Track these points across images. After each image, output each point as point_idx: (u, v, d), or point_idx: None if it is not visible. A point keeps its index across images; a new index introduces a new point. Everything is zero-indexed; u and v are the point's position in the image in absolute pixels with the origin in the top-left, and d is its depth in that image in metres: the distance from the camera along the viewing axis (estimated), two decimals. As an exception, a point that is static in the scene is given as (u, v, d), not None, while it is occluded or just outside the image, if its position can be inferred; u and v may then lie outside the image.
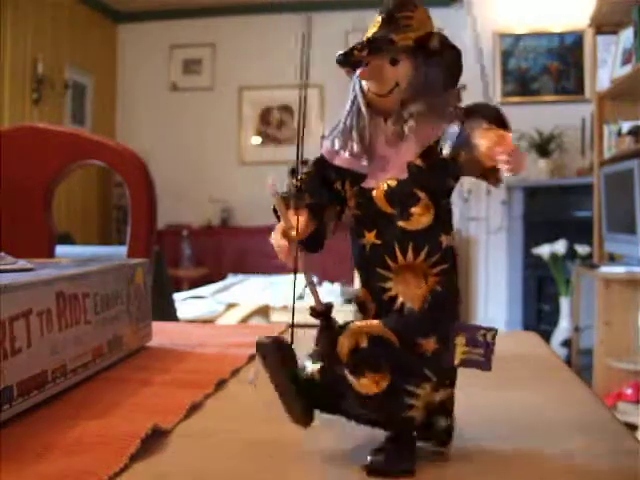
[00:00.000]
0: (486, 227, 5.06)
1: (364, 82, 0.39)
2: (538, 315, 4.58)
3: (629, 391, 2.80)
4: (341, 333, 0.38)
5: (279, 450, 0.41)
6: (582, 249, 3.95)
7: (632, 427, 2.51)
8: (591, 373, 3.17)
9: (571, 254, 4.00)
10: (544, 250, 4.13)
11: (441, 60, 0.40)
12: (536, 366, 0.63)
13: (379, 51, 0.38)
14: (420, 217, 0.38)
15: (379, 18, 0.40)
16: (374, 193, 0.39)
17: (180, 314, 2.42)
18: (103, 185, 5.40)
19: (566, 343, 3.90)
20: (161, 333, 0.74)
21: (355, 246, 0.39)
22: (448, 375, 0.39)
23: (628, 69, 3.25)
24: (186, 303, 3.08)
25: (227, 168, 5.45)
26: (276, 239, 0.40)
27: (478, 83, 4.98)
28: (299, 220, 0.39)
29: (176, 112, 5.49)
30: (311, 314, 0.40)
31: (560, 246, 4.08)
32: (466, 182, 4.95)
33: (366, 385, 0.37)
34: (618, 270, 3.07)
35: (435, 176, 0.38)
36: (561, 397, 0.52)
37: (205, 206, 5.34)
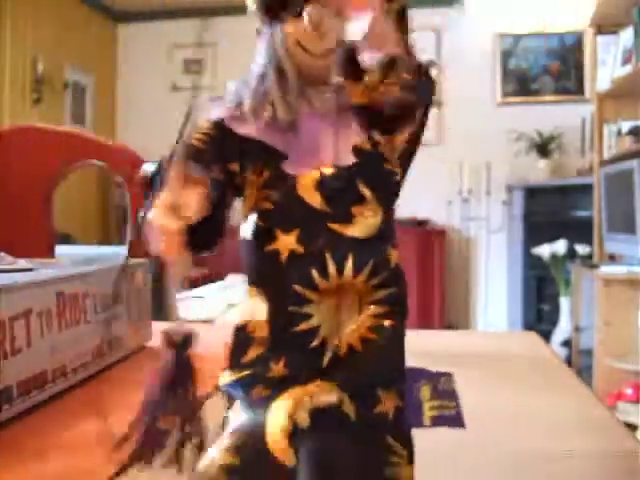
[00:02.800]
0: (486, 227, 5.06)
1: (292, 38, 0.30)
2: (538, 315, 4.58)
3: (629, 391, 2.80)
4: (267, 403, 0.27)
5: (279, 450, 0.41)
6: (582, 249, 3.95)
7: (632, 427, 2.51)
8: (591, 373, 3.17)
9: (571, 254, 4.00)
10: (544, 250, 4.13)
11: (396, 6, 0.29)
12: (536, 366, 0.63)
13: None
14: (366, 220, 0.27)
15: None
16: (299, 182, 0.27)
17: (180, 314, 2.42)
18: (103, 185, 5.40)
19: (566, 343, 3.90)
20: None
21: (255, 254, 0.29)
22: (412, 443, 0.28)
23: (628, 69, 3.25)
24: (186, 303, 3.08)
25: (227, 168, 5.45)
26: (158, 217, 0.26)
27: (478, 82, 4.98)
28: (195, 193, 0.25)
29: (176, 112, 5.49)
30: (164, 341, 0.31)
31: (560, 246, 4.07)
32: (466, 182, 4.95)
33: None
34: (618, 270, 3.07)
35: (385, 169, 0.27)
36: (561, 397, 0.52)
37: (205, 206, 5.34)
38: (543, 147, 4.71)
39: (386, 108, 0.26)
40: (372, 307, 0.27)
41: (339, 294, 0.26)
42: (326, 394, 0.25)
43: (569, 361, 3.64)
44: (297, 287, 0.27)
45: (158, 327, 0.73)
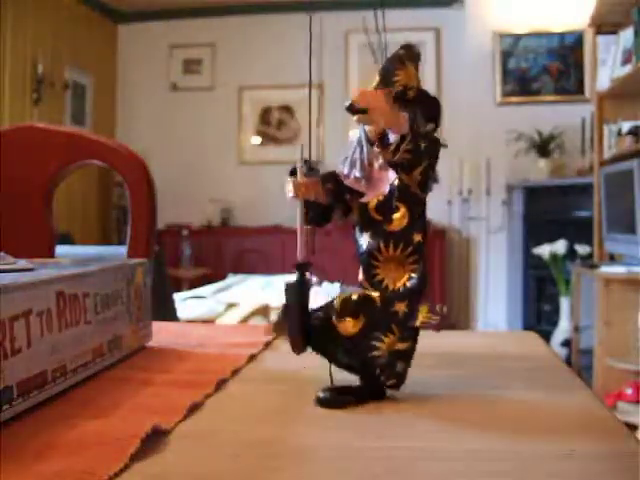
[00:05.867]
0: (486, 227, 5.06)
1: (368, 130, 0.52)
2: (538, 315, 4.58)
3: (629, 391, 2.80)
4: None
5: (279, 450, 0.41)
6: (582, 249, 3.95)
7: (632, 427, 2.51)
8: (591, 373, 3.17)
9: (571, 254, 4.00)
10: (544, 250, 4.13)
11: (418, 105, 0.51)
12: (536, 366, 0.63)
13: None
14: (398, 221, 0.50)
15: (378, 74, 0.52)
16: (368, 205, 0.51)
17: (180, 314, 2.42)
18: (103, 185, 5.40)
19: (566, 343, 3.90)
20: (161, 333, 0.74)
21: (357, 244, 0.52)
22: (410, 332, 0.50)
23: (628, 69, 3.26)
24: (186, 303, 3.08)
25: (227, 168, 5.45)
26: (292, 179, 0.52)
27: (478, 82, 4.99)
28: (307, 180, 0.52)
29: (176, 112, 5.49)
30: (295, 265, 0.51)
31: (560, 246, 4.07)
32: (466, 182, 4.95)
33: (345, 327, 0.50)
34: (618, 270, 3.07)
35: (409, 192, 0.51)
36: (561, 397, 0.52)
37: (205, 206, 5.34)
38: (543, 147, 4.71)
39: (396, 164, 0.50)
40: (407, 266, 0.50)
41: (391, 262, 0.51)
42: (373, 295, 0.51)
43: (569, 361, 3.64)
44: (371, 260, 0.51)
45: (159, 327, 0.73)
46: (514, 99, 5.02)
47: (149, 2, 5.45)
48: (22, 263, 0.59)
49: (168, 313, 2.11)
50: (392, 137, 0.50)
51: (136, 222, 1.15)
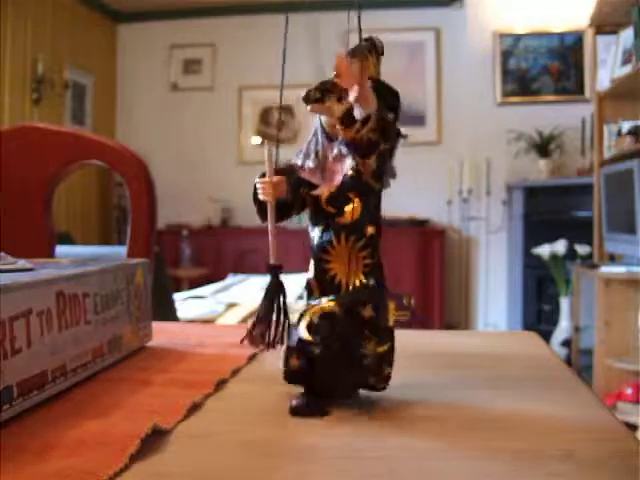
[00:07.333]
0: (486, 227, 5.06)
1: (323, 116, 0.51)
2: (538, 315, 4.58)
3: (629, 391, 2.80)
4: (300, 319, 0.49)
5: (279, 450, 0.41)
6: (582, 249, 3.95)
7: (632, 427, 2.51)
8: (591, 373, 3.17)
9: (571, 254, 4.00)
10: (544, 250, 4.13)
11: (377, 95, 0.49)
12: (536, 366, 0.63)
13: (328, 93, 0.49)
14: (350, 213, 0.49)
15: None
16: (321, 198, 0.50)
17: (180, 314, 2.42)
18: (103, 185, 5.40)
19: (566, 343, 3.90)
20: (161, 333, 0.74)
21: (310, 239, 0.51)
22: (385, 333, 0.49)
23: (628, 69, 3.26)
24: (186, 303, 3.08)
25: (227, 168, 5.45)
26: (262, 180, 0.52)
27: (478, 82, 4.98)
28: (275, 179, 0.51)
29: (176, 112, 5.49)
30: (267, 267, 0.53)
31: (560, 246, 4.07)
32: (466, 182, 4.95)
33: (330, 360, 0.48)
34: (618, 270, 3.07)
35: (363, 182, 0.49)
36: (561, 397, 0.52)
37: (205, 206, 5.34)
38: (543, 147, 4.70)
39: (360, 143, 0.48)
40: (360, 261, 0.49)
41: (343, 255, 0.49)
42: (330, 307, 0.48)
43: (569, 361, 3.64)
44: (322, 254, 0.50)
45: (159, 327, 0.73)
46: (514, 99, 5.02)
47: (149, 2, 5.45)
48: (22, 263, 0.59)
49: (168, 313, 2.11)
50: (357, 114, 0.48)
51: (136, 222, 1.15)
